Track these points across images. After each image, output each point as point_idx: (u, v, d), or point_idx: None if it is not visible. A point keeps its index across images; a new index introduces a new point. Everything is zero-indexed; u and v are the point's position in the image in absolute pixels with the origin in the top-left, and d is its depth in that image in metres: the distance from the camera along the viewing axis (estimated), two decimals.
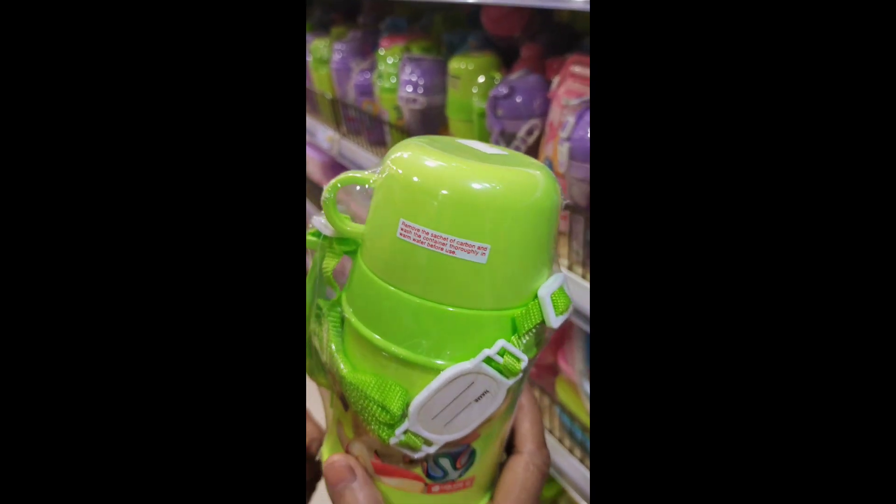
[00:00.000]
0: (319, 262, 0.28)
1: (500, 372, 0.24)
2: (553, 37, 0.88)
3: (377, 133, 1.15)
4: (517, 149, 0.77)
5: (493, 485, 0.29)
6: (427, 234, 0.23)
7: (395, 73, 1.00)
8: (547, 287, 0.25)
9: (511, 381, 0.24)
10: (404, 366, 0.24)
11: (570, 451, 0.85)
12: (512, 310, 0.24)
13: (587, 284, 0.65)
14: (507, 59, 0.90)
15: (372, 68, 1.13)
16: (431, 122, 0.97)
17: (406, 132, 1.02)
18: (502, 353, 0.24)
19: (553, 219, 0.25)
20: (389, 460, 0.26)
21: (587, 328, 0.69)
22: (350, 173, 0.26)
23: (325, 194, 0.26)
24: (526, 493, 0.28)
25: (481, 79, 0.83)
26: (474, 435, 0.26)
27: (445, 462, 0.27)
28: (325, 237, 0.28)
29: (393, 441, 0.25)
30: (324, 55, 1.29)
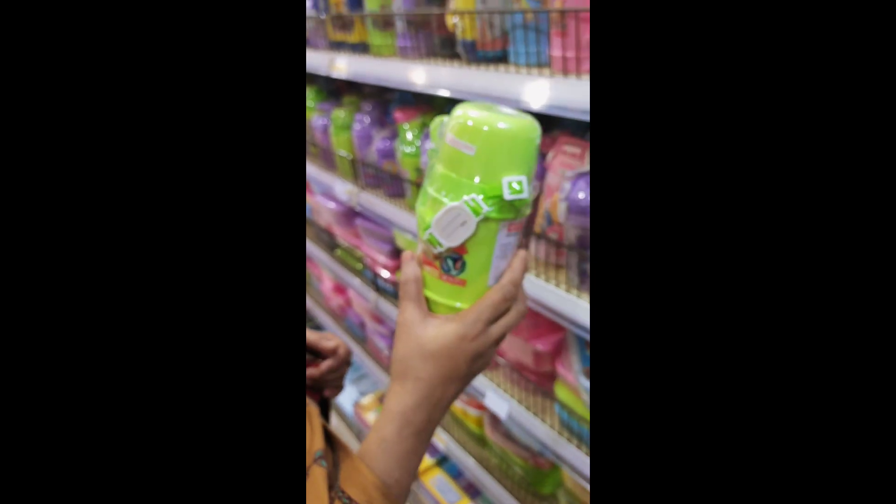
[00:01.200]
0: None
1: (472, 210, 0.45)
2: (540, 119, 1.15)
3: (396, 187, 1.38)
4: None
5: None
6: (450, 137, 0.47)
7: (416, 144, 1.25)
8: (510, 178, 0.46)
9: (477, 218, 0.45)
10: (434, 201, 0.48)
11: (569, 440, 1.07)
12: (487, 184, 0.46)
13: (580, 301, 0.89)
14: None
15: (392, 136, 1.38)
16: None
17: None
18: (473, 200, 0.45)
19: (522, 144, 0.46)
20: (427, 256, 0.50)
21: (576, 331, 0.92)
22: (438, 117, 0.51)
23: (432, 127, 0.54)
24: (488, 305, 0.48)
25: None
26: (463, 249, 0.47)
27: (449, 261, 0.48)
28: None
29: (425, 237, 0.48)
30: (345, 122, 1.54)
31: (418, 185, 1.29)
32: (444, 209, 0.46)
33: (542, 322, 1.10)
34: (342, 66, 1.33)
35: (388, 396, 0.49)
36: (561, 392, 1.08)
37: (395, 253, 1.58)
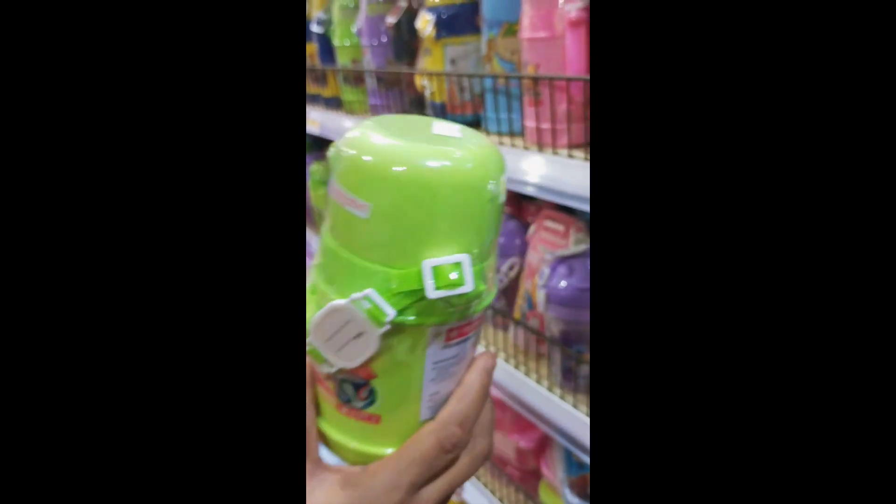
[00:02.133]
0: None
1: (368, 316, 0.27)
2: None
3: None
4: (500, 281, 0.90)
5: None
6: (335, 185, 0.28)
7: None
8: (436, 260, 0.26)
9: (380, 330, 0.27)
10: (314, 291, 0.30)
11: None
12: (396, 269, 0.27)
13: (563, 404, 0.77)
14: None
15: None
16: None
17: None
18: (367, 299, 0.26)
19: (454, 199, 0.27)
20: (320, 371, 0.31)
21: (564, 442, 0.79)
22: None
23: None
24: (413, 459, 0.29)
25: None
26: (368, 373, 0.29)
27: (349, 388, 0.30)
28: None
29: (307, 345, 0.29)
30: (323, 177, 1.44)
31: None
32: (325, 309, 0.28)
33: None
34: (316, 120, 1.24)
35: None
36: (546, 496, 0.94)
37: None
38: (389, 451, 0.31)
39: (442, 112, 0.85)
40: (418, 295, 0.27)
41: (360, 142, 0.28)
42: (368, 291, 0.27)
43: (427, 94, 0.85)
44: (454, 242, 0.27)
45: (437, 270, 0.26)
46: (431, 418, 0.31)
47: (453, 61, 0.78)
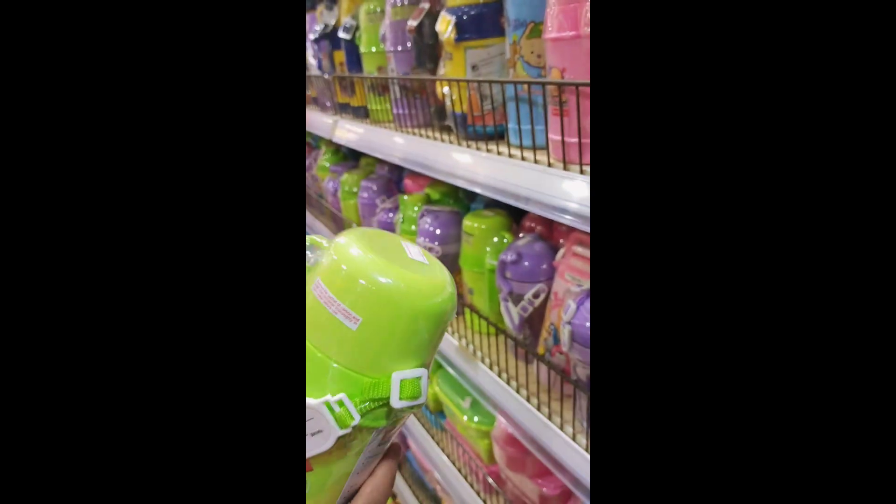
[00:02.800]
0: None
1: (336, 420, 0.29)
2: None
3: None
4: (524, 309, 0.82)
5: None
6: (323, 288, 0.30)
7: (415, 220, 1.08)
8: (403, 373, 0.30)
9: (341, 431, 0.29)
10: None
11: None
12: (367, 377, 0.30)
13: (587, 455, 0.67)
14: (517, 215, 0.97)
15: (394, 207, 1.21)
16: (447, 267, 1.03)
17: None
18: (340, 403, 0.29)
19: (428, 323, 0.31)
20: None
21: (587, 500, 0.69)
22: (311, 238, 0.34)
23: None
24: None
25: (494, 239, 0.89)
26: (307, 466, 0.31)
27: None
28: None
29: None
30: (352, 188, 1.40)
31: None
32: None
33: None
34: (353, 130, 1.19)
35: None
36: None
37: None
38: None
39: (463, 123, 0.77)
40: (383, 402, 0.30)
41: (356, 258, 0.31)
42: (342, 396, 0.29)
43: (447, 102, 0.78)
44: (417, 358, 0.31)
45: (403, 383, 0.30)
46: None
47: (474, 67, 0.71)
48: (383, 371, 0.30)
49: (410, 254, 0.34)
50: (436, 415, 1.24)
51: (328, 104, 1.33)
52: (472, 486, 1.10)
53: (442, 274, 0.33)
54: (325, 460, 0.31)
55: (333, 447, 0.30)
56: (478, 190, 0.74)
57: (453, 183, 0.78)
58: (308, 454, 0.30)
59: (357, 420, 0.29)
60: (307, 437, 0.30)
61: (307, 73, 1.39)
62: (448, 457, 1.18)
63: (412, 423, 1.32)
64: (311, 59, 1.32)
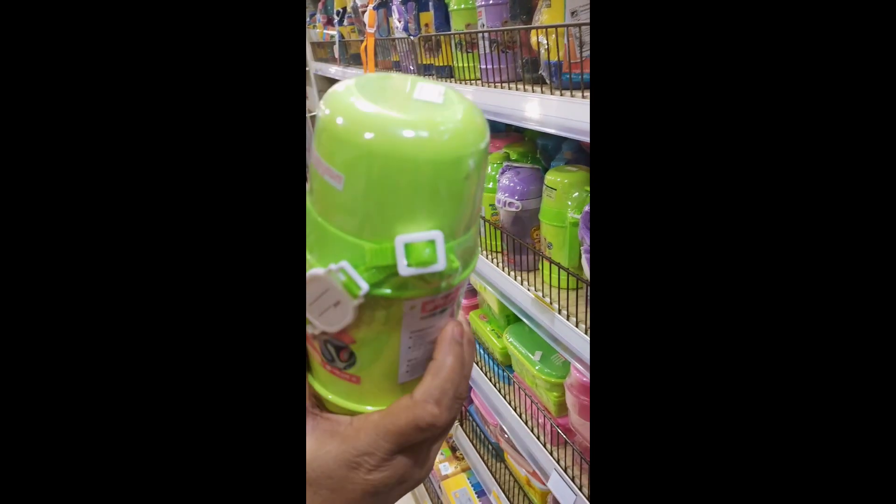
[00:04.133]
0: None
1: (344, 288, 0.27)
2: None
3: None
4: None
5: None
6: (314, 154, 0.27)
7: (495, 178, 1.10)
8: (408, 237, 0.26)
9: (355, 302, 0.27)
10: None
11: None
12: (369, 242, 0.26)
13: None
14: None
15: None
16: (524, 223, 1.05)
17: (499, 229, 1.11)
18: (343, 272, 0.27)
19: (429, 175, 0.25)
20: (308, 331, 0.31)
21: None
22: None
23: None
24: (389, 431, 0.30)
25: (576, 193, 0.91)
26: (348, 338, 0.30)
27: (332, 349, 0.31)
28: None
29: None
30: None
31: (493, 225, 1.14)
32: (307, 275, 0.28)
33: None
34: None
35: None
36: None
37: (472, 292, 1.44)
38: (370, 408, 0.32)
39: (558, 72, 0.79)
40: (391, 270, 0.26)
41: (339, 105, 0.26)
42: (343, 264, 0.27)
43: (542, 52, 0.80)
44: (428, 218, 0.26)
45: (409, 248, 0.26)
46: (412, 380, 0.32)
47: (574, 13, 0.72)
48: (387, 235, 0.26)
49: (419, 94, 0.28)
50: (504, 368, 1.27)
51: (411, 68, 1.37)
52: (538, 438, 1.13)
53: (452, 115, 0.26)
54: (363, 333, 0.29)
55: (359, 319, 0.28)
56: (566, 134, 0.76)
57: (544, 131, 0.80)
58: (338, 326, 0.28)
59: (365, 288, 0.26)
60: (330, 309, 0.28)
61: (392, 37, 1.43)
62: (514, 409, 1.22)
63: (477, 375, 1.37)
64: (396, 23, 1.36)
